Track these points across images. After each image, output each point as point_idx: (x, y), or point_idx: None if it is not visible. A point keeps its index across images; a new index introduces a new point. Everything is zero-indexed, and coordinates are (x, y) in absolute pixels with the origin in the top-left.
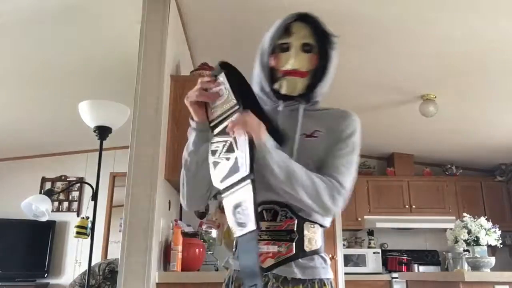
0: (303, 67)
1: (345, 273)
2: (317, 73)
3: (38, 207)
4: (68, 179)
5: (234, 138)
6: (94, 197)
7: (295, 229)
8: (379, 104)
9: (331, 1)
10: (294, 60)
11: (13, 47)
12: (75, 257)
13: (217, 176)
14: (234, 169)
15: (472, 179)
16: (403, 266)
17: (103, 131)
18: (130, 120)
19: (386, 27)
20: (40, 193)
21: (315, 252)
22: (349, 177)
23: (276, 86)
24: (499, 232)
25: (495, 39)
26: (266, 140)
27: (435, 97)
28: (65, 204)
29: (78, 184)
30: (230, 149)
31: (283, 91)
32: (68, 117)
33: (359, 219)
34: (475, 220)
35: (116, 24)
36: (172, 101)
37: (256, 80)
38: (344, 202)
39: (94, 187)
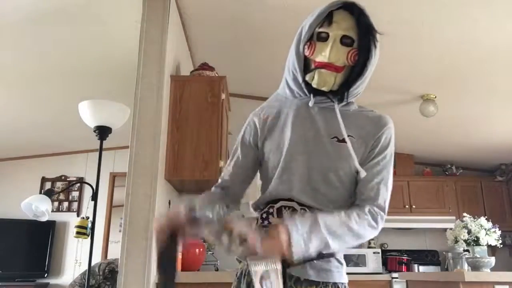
0: (338, 60)
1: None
2: (354, 70)
3: (38, 207)
4: (68, 179)
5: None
6: (94, 197)
7: None
8: (379, 104)
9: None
10: (330, 52)
11: (13, 47)
12: (75, 257)
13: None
14: None
15: (472, 179)
16: (403, 266)
17: (103, 131)
18: (130, 120)
19: (386, 28)
20: (40, 193)
21: (332, 255)
22: (387, 194)
23: (307, 77)
24: (499, 232)
25: (495, 39)
26: (293, 250)
27: (435, 97)
28: (65, 204)
29: (78, 184)
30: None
31: (314, 84)
32: (68, 117)
33: None
34: (475, 220)
35: (116, 24)
36: (172, 101)
37: (290, 68)
38: (383, 219)
39: (94, 187)
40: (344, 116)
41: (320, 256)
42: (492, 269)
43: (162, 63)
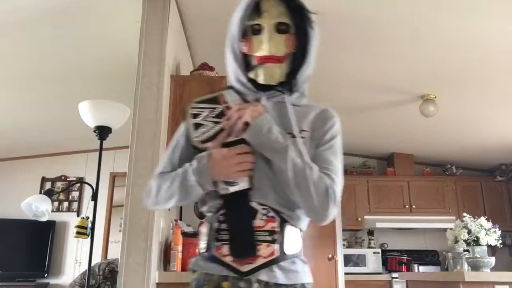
0: (279, 51)
1: (345, 273)
2: (297, 57)
3: (38, 207)
4: (68, 179)
5: (227, 107)
6: (94, 197)
7: (277, 230)
8: (379, 104)
9: (331, 1)
10: (268, 44)
11: (13, 47)
12: (75, 257)
13: (199, 136)
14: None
15: (472, 179)
16: (403, 266)
17: (103, 131)
18: (130, 120)
19: (386, 28)
20: (40, 193)
21: (296, 255)
22: (340, 181)
23: (251, 75)
24: (499, 232)
25: (495, 39)
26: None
27: (435, 97)
28: (65, 204)
29: (78, 184)
30: (220, 116)
31: (261, 80)
32: (68, 117)
33: (359, 219)
34: (475, 220)
35: (116, 24)
36: (172, 101)
37: (230, 70)
38: (337, 200)
39: (94, 187)
40: (296, 110)
41: (285, 257)
42: (492, 269)
43: (162, 63)
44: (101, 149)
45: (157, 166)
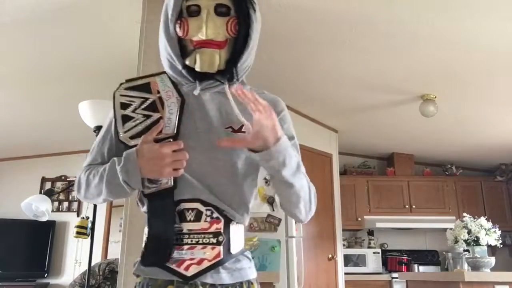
0: (218, 35)
1: (345, 273)
2: (238, 42)
3: (38, 207)
4: (68, 179)
5: (159, 98)
6: None
7: (222, 231)
8: (379, 104)
9: (331, 1)
10: (206, 27)
11: (13, 47)
12: (75, 257)
13: (128, 131)
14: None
15: (472, 179)
16: (403, 266)
17: None
18: None
19: (386, 28)
20: (40, 193)
21: (241, 253)
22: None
23: (188, 61)
24: (499, 232)
25: (495, 39)
26: (284, 136)
27: (435, 97)
28: (65, 204)
29: None
30: (152, 108)
31: (197, 68)
32: (68, 117)
33: (359, 219)
34: (475, 220)
35: (116, 24)
36: None
37: (163, 55)
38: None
39: None
40: (236, 101)
41: (230, 257)
42: (492, 269)
43: (162, 63)
44: None
45: (87, 157)
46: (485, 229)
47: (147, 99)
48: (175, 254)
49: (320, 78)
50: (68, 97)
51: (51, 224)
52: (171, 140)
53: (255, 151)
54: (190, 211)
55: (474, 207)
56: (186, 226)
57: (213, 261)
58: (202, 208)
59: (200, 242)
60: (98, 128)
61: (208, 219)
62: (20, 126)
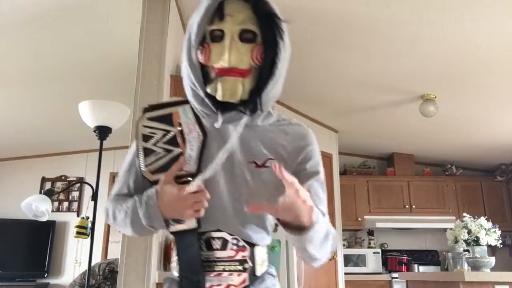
0: (242, 62)
1: (345, 273)
2: (264, 70)
3: (38, 207)
4: (68, 179)
5: (181, 132)
6: (94, 197)
7: (248, 258)
8: (379, 104)
9: (331, 1)
10: (229, 54)
11: (13, 47)
12: (75, 257)
13: (149, 166)
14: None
15: (472, 179)
16: (403, 266)
17: (103, 131)
18: (130, 120)
19: (386, 28)
20: (40, 193)
21: (265, 272)
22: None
23: (209, 89)
24: (499, 232)
25: (495, 39)
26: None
27: (435, 97)
28: (65, 204)
29: (78, 184)
30: (173, 143)
31: (219, 96)
32: (68, 117)
33: (359, 219)
34: (475, 220)
35: (116, 24)
36: None
37: (186, 82)
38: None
39: (94, 187)
40: (261, 134)
41: (255, 279)
42: (492, 269)
43: (162, 63)
44: (101, 149)
45: (114, 185)
46: (485, 229)
47: (168, 132)
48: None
49: (320, 78)
50: (68, 97)
51: (51, 224)
52: (192, 178)
53: (285, 223)
54: (216, 240)
55: (474, 207)
56: (213, 254)
57: (239, 287)
58: (228, 237)
59: (227, 269)
60: (98, 128)
61: (234, 247)
62: (20, 126)
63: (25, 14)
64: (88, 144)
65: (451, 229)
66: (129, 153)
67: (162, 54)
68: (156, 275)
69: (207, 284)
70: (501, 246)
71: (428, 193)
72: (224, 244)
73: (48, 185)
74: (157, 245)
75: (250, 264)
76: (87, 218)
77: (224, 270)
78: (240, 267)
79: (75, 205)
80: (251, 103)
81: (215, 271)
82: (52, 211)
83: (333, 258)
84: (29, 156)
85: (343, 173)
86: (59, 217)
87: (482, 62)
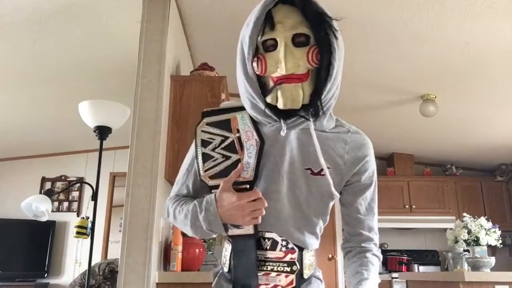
0: (299, 67)
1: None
2: (322, 72)
3: (38, 207)
4: (68, 179)
5: (239, 138)
6: (94, 197)
7: (296, 261)
8: (379, 104)
9: (332, 1)
10: (285, 61)
11: (13, 47)
12: (75, 257)
13: (207, 171)
14: (232, 170)
15: (472, 179)
16: (403, 266)
17: (103, 131)
18: (130, 120)
19: (386, 28)
20: (40, 193)
21: (312, 275)
22: (376, 223)
23: (269, 99)
24: (499, 232)
25: (495, 39)
26: None
27: (435, 97)
28: (65, 204)
29: (78, 184)
30: (231, 149)
31: (280, 105)
32: (68, 117)
33: None
34: (475, 220)
35: (116, 24)
36: (172, 101)
37: (244, 95)
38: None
39: (94, 187)
40: (319, 141)
41: (303, 282)
42: (492, 269)
43: (162, 63)
44: (101, 149)
45: (174, 185)
46: (485, 229)
47: (227, 138)
48: None
49: None
50: (68, 97)
51: (51, 224)
52: (249, 185)
53: None
54: (266, 240)
55: (474, 207)
56: (263, 254)
57: None
58: (278, 238)
59: (275, 269)
60: (98, 128)
61: (284, 248)
62: (20, 126)
63: (25, 14)
64: (88, 144)
65: (451, 229)
66: (188, 155)
67: (162, 54)
68: (156, 275)
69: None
70: (501, 246)
71: (428, 193)
72: (274, 245)
73: (48, 185)
74: (157, 245)
75: (298, 266)
76: (87, 218)
77: (272, 270)
78: (288, 269)
79: (75, 205)
80: (312, 106)
81: (264, 270)
82: (52, 211)
83: (333, 258)
84: (29, 156)
85: None
86: (59, 217)
87: (482, 62)
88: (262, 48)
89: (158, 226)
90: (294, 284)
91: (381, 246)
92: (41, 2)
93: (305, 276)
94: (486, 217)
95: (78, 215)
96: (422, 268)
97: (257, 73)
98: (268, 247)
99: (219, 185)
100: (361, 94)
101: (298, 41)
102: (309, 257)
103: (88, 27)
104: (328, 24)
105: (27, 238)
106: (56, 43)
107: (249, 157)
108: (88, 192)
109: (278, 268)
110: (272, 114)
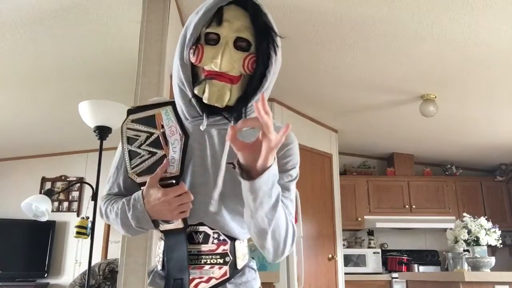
0: (233, 69)
1: (345, 273)
2: (253, 80)
3: (38, 207)
4: (68, 179)
5: (163, 134)
6: (94, 197)
7: (228, 252)
8: (379, 104)
9: (331, 1)
10: (221, 59)
11: (13, 47)
12: (75, 257)
13: (134, 168)
14: (159, 166)
15: (472, 179)
16: (403, 266)
17: (103, 131)
18: None
19: (386, 28)
20: (40, 193)
21: (246, 265)
22: (294, 209)
23: (196, 90)
24: (499, 232)
25: (495, 39)
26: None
27: (435, 97)
28: (65, 204)
29: (78, 184)
30: (157, 145)
31: (205, 99)
32: (68, 117)
33: (359, 219)
34: (475, 220)
35: (116, 24)
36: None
37: (175, 81)
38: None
39: (94, 187)
40: (241, 135)
41: (236, 272)
42: (492, 269)
43: (162, 63)
44: (101, 149)
45: (106, 184)
46: (485, 229)
47: (152, 134)
48: None
49: (320, 78)
50: (68, 97)
51: (51, 224)
52: (175, 180)
53: (242, 168)
54: (198, 234)
55: (474, 207)
56: (195, 248)
57: (220, 279)
58: (209, 231)
59: (208, 262)
60: (98, 128)
61: (215, 241)
62: (20, 126)
63: (25, 14)
64: (88, 144)
65: (451, 229)
66: (116, 153)
67: (162, 54)
68: None
69: (190, 277)
70: (501, 246)
71: (428, 193)
72: (206, 238)
73: (48, 185)
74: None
75: (231, 257)
76: (87, 218)
77: (206, 264)
78: (221, 260)
79: (75, 205)
80: (236, 111)
81: (198, 264)
82: (52, 211)
83: (333, 258)
84: (29, 156)
85: (343, 173)
86: (59, 217)
87: (482, 62)
88: (204, 39)
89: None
90: (228, 275)
91: (381, 246)
92: (41, 2)
93: (239, 267)
94: (486, 217)
95: (78, 215)
96: (422, 268)
97: (192, 61)
98: (200, 241)
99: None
100: (361, 94)
101: (239, 44)
102: (241, 248)
103: (88, 27)
104: (272, 39)
105: (27, 238)
106: (56, 43)
107: (174, 152)
108: (88, 192)
109: (211, 261)
110: (196, 105)
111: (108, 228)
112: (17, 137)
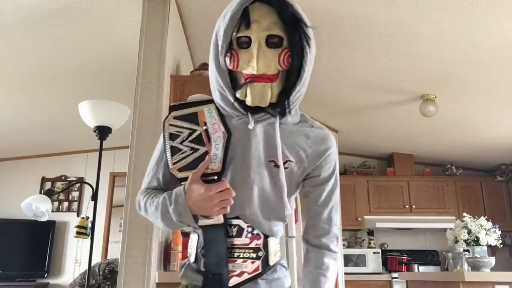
0: (270, 68)
1: (345, 273)
2: (291, 74)
3: (38, 207)
4: (68, 179)
5: (206, 131)
6: (94, 197)
7: (261, 247)
8: (379, 104)
9: (331, 1)
10: (257, 61)
11: (13, 46)
12: (75, 257)
13: (176, 164)
14: (200, 162)
15: (472, 179)
16: (403, 266)
17: (103, 131)
18: (130, 120)
19: (386, 28)
20: (40, 193)
21: (277, 262)
22: (338, 217)
23: (238, 94)
24: (499, 232)
25: (495, 39)
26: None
27: (435, 97)
28: (65, 204)
29: (78, 184)
30: (199, 141)
31: (248, 102)
32: (68, 117)
33: (359, 219)
34: (475, 220)
35: (116, 24)
36: (172, 101)
37: (214, 86)
38: (339, 243)
39: (94, 187)
40: (284, 135)
41: (268, 268)
42: (492, 269)
43: (162, 63)
44: (101, 149)
45: (145, 177)
46: (485, 229)
47: (194, 131)
48: None
49: (320, 78)
50: (68, 97)
51: (51, 224)
52: (217, 176)
53: None
54: (232, 227)
55: (474, 207)
56: (228, 241)
57: (253, 274)
58: (243, 225)
59: (241, 256)
60: (98, 128)
61: (249, 235)
62: (20, 126)
63: (25, 14)
64: (88, 144)
65: (451, 229)
66: (156, 148)
67: (162, 54)
68: (156, 275)
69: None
70: (501, 246)
71: (428, 193)
72: (240, 232)
73: (48, 185)
74: (157, 245)
75: (264, 252)
76: (87, 218)
77: (239, 257)
78: (254, 255)
79: (75, 205)
80: (280, 106)
81: (230, 257)
82: (52, 211)
83: None
84: (29, 156)
85: (343, 173)
86: (59, 217)
87: (482, 62)
88: (236, 44)
89: (158, 226)
90: (260, 270)
91: (381, 246)
92: (41, 2)
93: (271, 263)
94: (486, 217)
95: (78, 215)
96: (422, 268)
97: (229, 67)
98: (234, 234)
99: (188, 177)
100: (361, 94)
101: (271, 42)
102: (274, 244)
103: (88, 27)
104: (302, 30)
105: (27, 238)
106: (56, 43)
107: (216, 149)
108: (88, 192)
109: (244, 255)
110: (240, 108)
111: (108, 228)
112: (17, 137)
